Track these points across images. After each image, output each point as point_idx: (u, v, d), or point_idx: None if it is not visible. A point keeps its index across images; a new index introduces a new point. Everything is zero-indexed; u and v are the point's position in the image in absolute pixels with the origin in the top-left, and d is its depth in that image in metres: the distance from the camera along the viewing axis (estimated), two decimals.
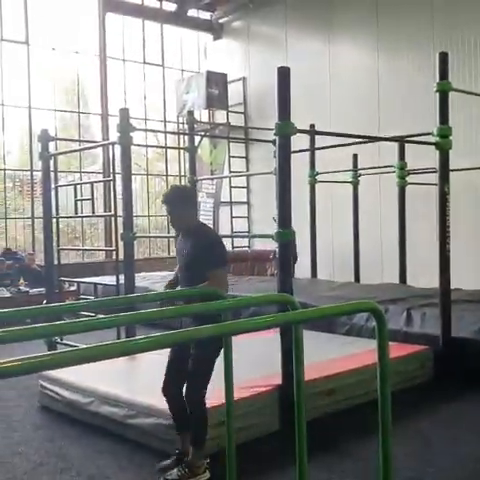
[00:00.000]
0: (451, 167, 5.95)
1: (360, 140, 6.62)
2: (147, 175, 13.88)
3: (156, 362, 5.12)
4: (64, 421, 4.76)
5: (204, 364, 3.57)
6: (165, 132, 13.42)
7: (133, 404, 4.30)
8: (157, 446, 4.05)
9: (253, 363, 4.89)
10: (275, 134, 4.70)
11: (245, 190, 13.96)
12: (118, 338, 5.98)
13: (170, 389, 3.74)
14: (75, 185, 7.61)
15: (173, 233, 14.79)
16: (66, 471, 3.87)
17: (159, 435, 4.06)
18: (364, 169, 9.86)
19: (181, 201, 3.72)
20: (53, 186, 7.33)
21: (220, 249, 3.70)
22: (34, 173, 11.72)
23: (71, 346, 5.37)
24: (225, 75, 13.57)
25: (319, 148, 8.66)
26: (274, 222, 11.16)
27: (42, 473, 3.85)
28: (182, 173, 13.78)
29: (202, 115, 13.92)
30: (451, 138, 5.87)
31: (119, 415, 4.32)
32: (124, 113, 6.42)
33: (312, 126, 9.06)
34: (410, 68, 10.81)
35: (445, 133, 5.82)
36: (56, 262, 7.35)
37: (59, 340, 6.44)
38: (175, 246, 4.08)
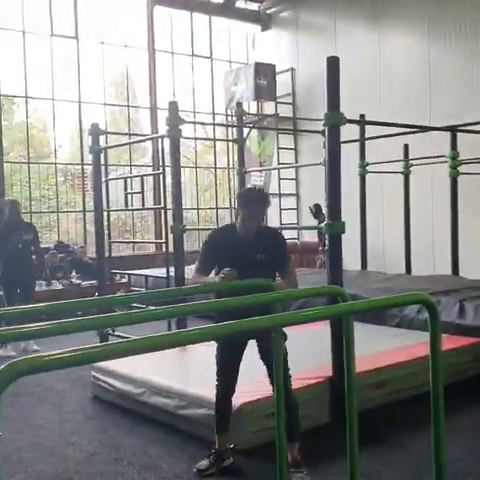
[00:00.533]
0: None
1: (411, 130, 6.52)
2: (196, 168, 13.99)
3: (207, 354, 5.20)
4: (116, 411, 4.87)
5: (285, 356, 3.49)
6: (214, 124, 13.49)
7: (184, 395, 4.36)
8: (208, 437, 4.10)
9: (303, 355, 4.88)
10: (324, 124, 4.67)
11: (294, 182, 13.92)
12: (169, 330, 6.07)
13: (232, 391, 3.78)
14: (125, 178, 7.72)
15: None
16: (119, 461, 3.96)
17: (210, 425, 4.09)
18: (415, 159, 9.70)
19: (263, 203, 3.73)
20: (103, 180, 7.47)
21: (286, 245, 3.86)
22: (85, 167, 11.96)
23: (123, 338, 5.49)
24: (273, 66, 13.53)
25: (369, 138, 8.59)
26: (310, 212, 11.20)
27: (95, 463, 3.95)
28: (231, 165, 13.83)
29: (250, 107, 13.93)
30: None
31: (170, 406, 4.40)
32: (173, 106, 6.48)
33: (362, 116, 8.96)
34: (463, 54, 10.56)
35: None
36: (107, 255, 7.51)
37: (111, 332, 6.58)
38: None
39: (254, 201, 3.65)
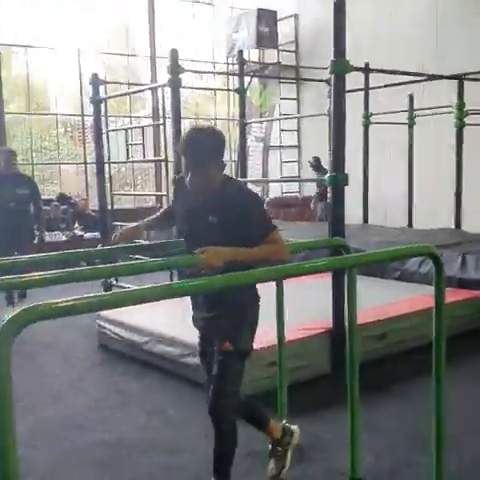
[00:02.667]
0: None
1: (416, 78, 6.43)
2: (196, 118, 13.84)
3: None
4: (122, 359, 4.97)
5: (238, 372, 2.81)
6: (214, 73, 13.28)
7: (187, 344, 4.43)
8: None
9: (302, 307, 4.94)
10: (330, 72, 4.60)
11: (296, 133, 13.77)
12: (171, 281, 6.13)
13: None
14: (126, 129, 7.66)
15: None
16: (126, 406, 4.07)
17: None
18: (420, 110, 9.59)
19: (210, 150, 2.59)
20: (104, 131, 7.41)
21: (259, 208, 2.78)
22: (85, 118, 11.84)
23: (126, 288, 5.55)
24: (275, 13, 13.22)
25: (374, 87, 8.46)
26: (310, 166, 11.14)
27: (102, 408, 4.05)
28: (231, 116, 13.68)
29: (252, 55, 13.66)
30: None
31: (174, 354, 4.49)
32: (174, 54, 6.39)
33: (366, 64, 8.82)
34: (472, 2, 10.31)
35: None
36: (109, 207, 7.52)
37: (115, 282, 6.65)
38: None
39: (197, 148, 2.56)
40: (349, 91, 4.85)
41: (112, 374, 4.72)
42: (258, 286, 2.75)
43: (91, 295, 1.82)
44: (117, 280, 6.66)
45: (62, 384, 4.53)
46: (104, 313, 5.13)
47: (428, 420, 2.67)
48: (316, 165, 11.09)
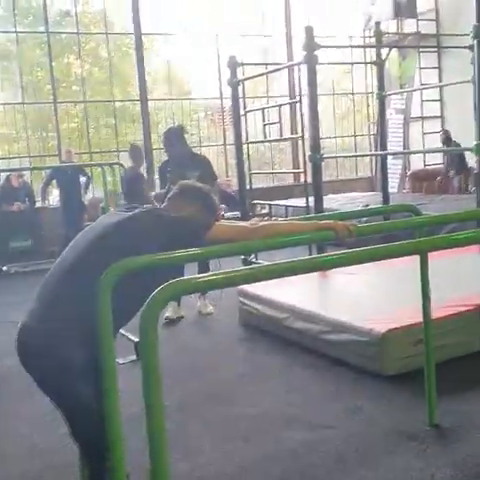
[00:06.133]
0: None
1: None
2: (333, 94, 13.59)
3: (348, 281, 5.19)
4: (262, 335, 5.01)
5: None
6: (351, 46, 12.89)
7: (327, 320, 4.38)
8: (352, 361, 4.12)
9: (452, 282, 4.69)
10: (473, 37, 4.30)
11: (438, 103, 13.07)
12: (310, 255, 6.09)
13: None
14: (263, 109, 7.66)
15: (362, 152, 14.14)
16: (268, 381, 4.10)
17: (354, 350, 4.11)
18: None
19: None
20: (242, 112, 7.49)
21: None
22: (223, 101, 12.05)
23: None
24: None
25: None
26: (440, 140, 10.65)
27: (246, 382, 4.11)
28: (369, 90, 13.27)
29: (390, 26, 13.10)
30: None
31: (314, 330, 4.44)
32: (309, 31, 6.27)
33: None
34: None
35: None
36: (248, 186, 7.59)
37: (254, 259, 6.73)
38: None
39: None
40: None
41: (254, 350, 4.77)
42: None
43: (231, 270, 1.82)
44: (256, 257, 6.73)
45: (206, 359, 4.65)
46: (245, 290, 5.21)
47: None
48: (445, 137, 10.64)
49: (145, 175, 8.23)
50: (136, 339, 4.65)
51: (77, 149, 11.10)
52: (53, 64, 10.89)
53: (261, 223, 2.56)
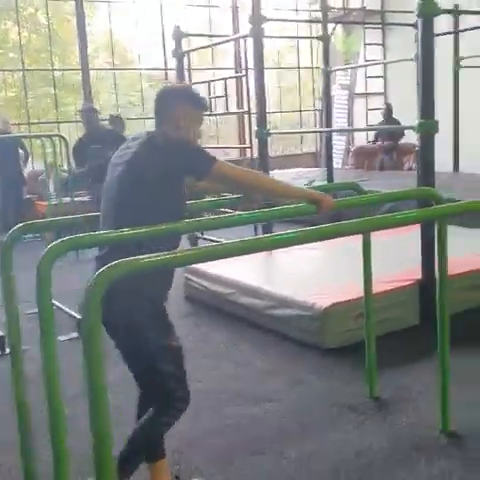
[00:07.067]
0: None
1: None
2: (278, 68, 13.59)
3: (294, 257, 5.27)
4: (208, 310, 5.05)
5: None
6: (297, 21, 12.87)
7: (272, 295, 4.45)
8: (296, 336, 4.21)
9: (390, 259, 4.82)
10: (417, 15, 4.36)
11: (381, 80, 13.25)
12: (255, 234, 6.13)
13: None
14: (209, 82, 7.60)
15: (307, 129, 14.20)
16: (213, 356, 4.15)
17: (297, 325, 4.20)
18: None
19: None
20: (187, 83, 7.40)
21: None
22: (168, 72, 11.86)
23: (212, 241, 5.60)
24: None
25: (464, 30, 7.98)
26: (381, 113, 10.74)
27: (192, 358, 4.11)
28: (314, 65, 13.32)
29: (335, 1, 13.14)
30: None
31: (259, 306, 4.51)
32: (256, 3, 6.22)
33: (456, 6, 8.32)
34: None
35: None
36: None
37: (200, 235, 6.72)
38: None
39: None
40: (437, 35, 4.57)
41: (199, 325, 4.80)
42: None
43: (179, 251, 1.84)
44: (202, 233, 6.72)
45: None
46: (191, 266, 5.21)
47: None
48: (387, 111, 10.67)
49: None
50: (79, 316, 4.62)
51: (15, 120, 10.79)
52: None
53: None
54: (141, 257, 1.74)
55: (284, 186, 2.64)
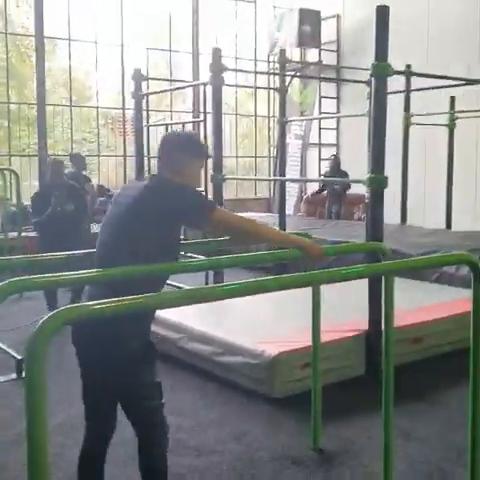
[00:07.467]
0: None
1: (459, 82, 6.25)
2: (236, 115, 13.81)
3: (245, 302, 5.24)
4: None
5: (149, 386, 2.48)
6: (256, 72, 13.20)
7: (220, 342, 4.41)
8: (243, 383, 4.17)
9: (337, 308, 4.86)
10: (371, 75, 4.52)
11: (335, 132, 13.64)
12: (206, 280, 6.13)
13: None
14: (166, 125, 7.66)
15: (262, 176, 14.46)
16: None
17: (245, 373, 4.17)
18: (461, 112, 9.38)
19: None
20: (144, 124, 7.45)
21: None
22: (126, 111, 11.91)
23: (173, 286, 5.47)
24: (318, 12, 13.07)
25: (415, 90, 8.31)
26: (329, 163, 10.95)
27: None
28: (271, 114, 13.61)
29: (293, 54, 13.54)
30: None
31: (207, 352, 4.46)
32: (216, 52, 6.34)
33: (408, 66, 8.67)
34: None
35: None
36: None
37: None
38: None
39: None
40: (390, 93, 4.74)
41: None
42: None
43: (131, 298, 1.81)
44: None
45: None
46: None
47: (465, 429, 2.59)
48: (335, 163, 10.88)
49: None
50: (19, 356, 4.48)
51: None
52: None
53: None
54: (87, 304, 1.70)
55: (280, 234, 2.83)
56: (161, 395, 2.49)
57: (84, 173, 8.82)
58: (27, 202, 7.73)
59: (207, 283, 6.04)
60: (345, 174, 10.44)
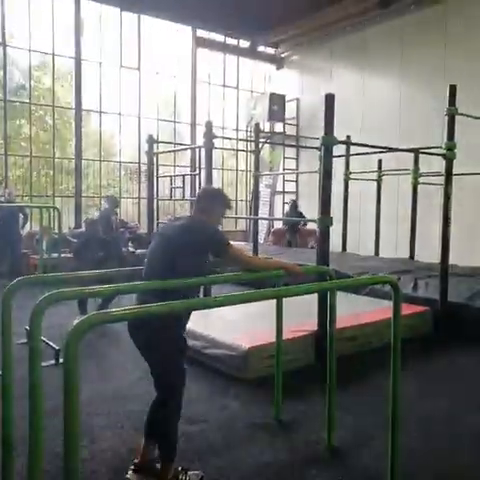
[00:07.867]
0: (454, 172, 5.72)
1: (384, 150, 6.40)
2: (222, 169, 13.92)
3: (228, 308, 5.22)
4: None
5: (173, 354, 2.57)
6: (237, 139, 13.37)
7: (208, 338, 4.40)
8: (225, 369, 4.16)
9: (294, 314, 4.86)
10: (321, 144, 4.61)
11: (295, 183, 13.81)
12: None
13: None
14: (171, 177, 7.71)
15: (241, 214, 14.39)
16: None
17: (226, 361, 4.15)
18: (386, 171, 9.57)
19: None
20: (155, 176, 7.47)
21: None
22: (141, 165, 11.94)
23: None
24: (284, 96, 13.33)
25: (353, 154, 8.45)
26: (288, 205, 11.13)
27: (142, 385, 3.96)
28: (248, 169, 13.73)
29: (265, 126, 13.74)
30: (456, 151, 5.62)
31: (198, 346, 4.43)
32: (208, 124, 6.43)
33: (348, 137, 8.84)
34: (425, 97, 10.35)
35: (451, 147, 5.59)
36: (155, 230, 7.52)
37: None
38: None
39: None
40: (335, 156, 4.84)
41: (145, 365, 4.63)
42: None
43: (137, 306, 1.81)
44: None
45: (113, 364, 4.49)
46: None
47: (388, 405, 2.61)
48: (293, 206, 11.13)
49: (114, 216, 8.11)
50: (57, 347, 4.41)
51: (21, 192, 10.54)
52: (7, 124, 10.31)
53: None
54: (110, 311, 1.70)
55: (269, 262, 2.95)
56: (184, 379, 2.61)
57: (116, 209, 8.57)
58: (65, 230, 7.66)
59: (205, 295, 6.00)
60: (301, 214, 10.61)
